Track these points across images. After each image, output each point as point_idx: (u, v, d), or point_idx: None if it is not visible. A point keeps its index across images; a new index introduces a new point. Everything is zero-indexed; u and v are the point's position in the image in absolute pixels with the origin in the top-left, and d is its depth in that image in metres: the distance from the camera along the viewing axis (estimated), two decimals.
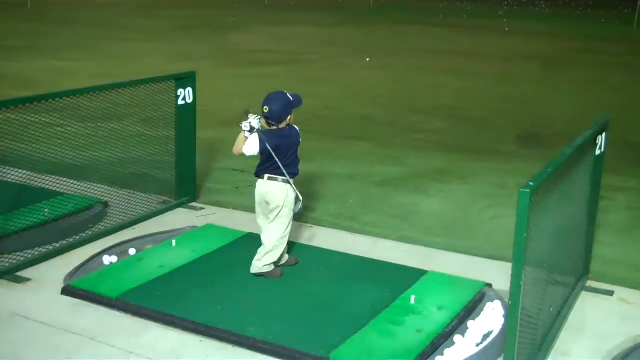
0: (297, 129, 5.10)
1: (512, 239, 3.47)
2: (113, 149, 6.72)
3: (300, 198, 5.08)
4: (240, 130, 5.01)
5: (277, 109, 4.95)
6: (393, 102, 12.93)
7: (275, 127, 5.01)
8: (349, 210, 6.95)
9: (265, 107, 4.95)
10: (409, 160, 8.86)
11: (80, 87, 5.93)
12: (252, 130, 4.98)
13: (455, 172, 8.34)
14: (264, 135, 4.99)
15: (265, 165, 5.05)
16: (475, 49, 20.64)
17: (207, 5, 35.89)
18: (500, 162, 8.86)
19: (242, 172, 8.07)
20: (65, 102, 5.75)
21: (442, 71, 16.58)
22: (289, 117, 5.00)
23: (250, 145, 5.04)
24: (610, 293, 5.18)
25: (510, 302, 3.59)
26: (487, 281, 5.18)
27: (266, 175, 5.07)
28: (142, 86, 6.42)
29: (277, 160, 4.95)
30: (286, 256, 5.40)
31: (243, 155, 5.11)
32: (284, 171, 5.03)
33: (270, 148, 4.96)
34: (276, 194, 5.05)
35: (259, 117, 4.99)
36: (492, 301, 4.86)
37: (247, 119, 5.01)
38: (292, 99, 5.01)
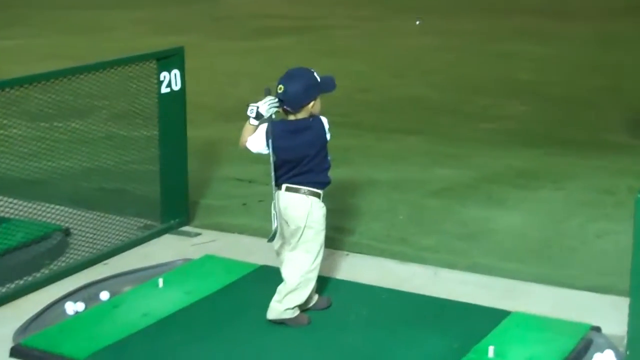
0: (325, 120, 5.11)
1: (628, 264, 3.45)
2: (75, 156, 6.76)
3: (274, 225, 5.04)
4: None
5: (296, 90, 4.95)
6: (452, 80, 12.87)
7: (292, 116, 5.04)
8: (399, 230, 6.94)
9: (280, 86, 4.98)
10: (477, 160, 8.82)
11: (29, 75, 5.96)
12: (259, 117, 5.01)
13: (543, 174, 8.29)
14: (272, 127, 5.02)
15: (282, 171, 5.06)
16: (560, 3, 20.51)
17: None
18: (606, 157, 8.81)
19: (250, 182, 8.08)
20: (9, 95, 5.79)
21: (515, 35, 16.52)
22: (311, 104, 5.01)
23: (257, 140, 5.07)
24: None
25: (628, 353, 3.56)
26: (593, 323, 5.14)
27: (284, 185, 5.07)
28: (112, 70, 6.45)
29: (273, 163, 4.98)
30: (315, 296, 5.38)
31: (248, 150, 5.14)
32: (307, 179, 5.05)
33: (272, 147, 4.99)
34: (296, 211, 5.05)
35: (276, 100, 5.01)
36: (602, 351, 4.81)
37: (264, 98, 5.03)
38: (318, 78, 5.02)
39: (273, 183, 5.06)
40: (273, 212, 5.09)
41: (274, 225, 5.07)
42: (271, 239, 5.10)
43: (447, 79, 12.99)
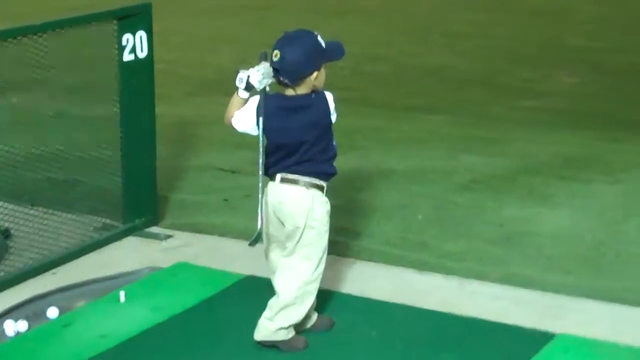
0: (330, 98, 5.12)
1: None
2: (17, 140, 6.76)
3: (259, 224, 5.05)
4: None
5: (296, 58, 4.95)
6: (484, 46, 12.86)
7: (290, 90, 5.05)
8: (417, 232, 6.95)
9: (276, 52, 4.97)
10: (516, 145, 8.83)
11: None
12: (249, 88, 5.03)
13: (596, 164, 8.30)
14: (264, 102, 5.03)
15: (277, 158, 5.08)
16: None
17: None
18: None
19: (233, 172, 8.09)
20: None
21: None
22: (314, 75, 5.01)
23: (244, 116, 5.09)
24: None
25: None
26: None
27: (278, 175, 5.09)
28: (62, 32, 6.44)
29: (263, 147, 5.00)
30: (314, 315, 5.40)
31: (233, 128, 5.17)
32: (307, 169, 5.07)
33: (263, 126, 5.00)
34: (294, 207, 5.07)
35: (270, 68, 5.01)
36: None
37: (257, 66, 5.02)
38: (323, 44, 5.03)
39: (260, 172, 5.06)
40: (259, 207, 5.08)
41: (259, 223, 5.06)
42: (253, 242, 5.07)
43: (478, 44, 12.99)
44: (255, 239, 5.04)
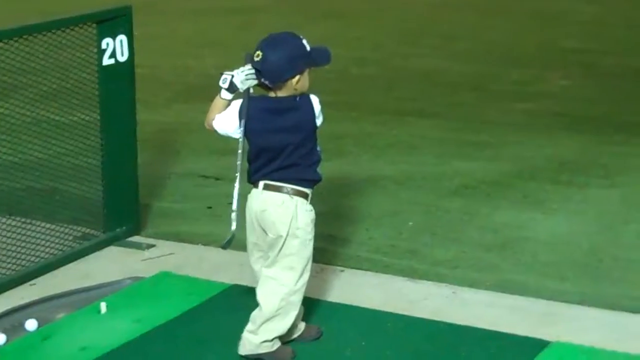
0: (315, 101, 5.14)
1: None
2: None
3: (233, 227, 5.08)
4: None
5: (278, 60, 4.97)
6: (478, 48, 12.86)
7: (272, 93, 5.06)
8: (408, 239, 6.95)
9: (258, 52, 4.99)
10: (509, 149, 8.85)
11: None
12: (233, 89, 5.04)
13: (592, 167, 8.32)
14: (247, 104, 5.05)
15: (260, 163, 5.08)
16: None
17: None
18: None
19: (217, 180, 8.10)
20: None
21: None
22: (296, 78, 5.03)
23: (226, 118, 5.10)
24: None
25: None
26: None
27: (261, 183, 5.10)
28: (40, 36, 6.44)
29: (245, 151, 5.01)
30: (301, 324, 5.41)
31: (215, 131, 5.17)
32: (291, 175, 5.07)
33: (245, 129, 5.02)
34: (277, 215, 5.07)
35: (253, 70, 5.03)
36: None
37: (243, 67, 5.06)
38: (308, 48, 5.04)
39: (238, 175, 5.05)
40: (233, 210, 5.08)
41: (233, 225, 5.07)
42: (226, 245, 5.11)
43: (472, 46, 13.00)
44: (229, 241, 5.07)
